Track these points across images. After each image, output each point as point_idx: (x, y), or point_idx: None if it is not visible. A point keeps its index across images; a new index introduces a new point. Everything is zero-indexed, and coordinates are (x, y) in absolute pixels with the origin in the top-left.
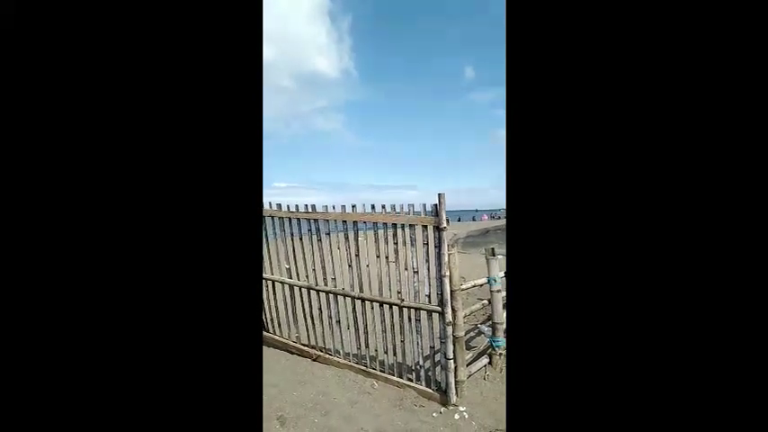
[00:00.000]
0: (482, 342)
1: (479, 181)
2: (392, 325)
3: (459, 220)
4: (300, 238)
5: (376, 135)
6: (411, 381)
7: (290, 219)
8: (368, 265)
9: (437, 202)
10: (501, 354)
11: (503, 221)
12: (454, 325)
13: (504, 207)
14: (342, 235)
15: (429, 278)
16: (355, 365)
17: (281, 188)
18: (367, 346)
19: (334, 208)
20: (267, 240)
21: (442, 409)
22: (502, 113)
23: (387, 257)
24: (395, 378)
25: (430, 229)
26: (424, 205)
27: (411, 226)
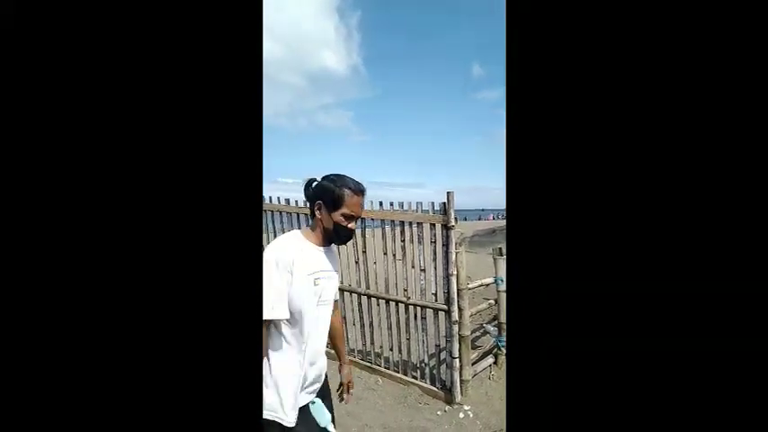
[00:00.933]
0: (488, 342)
1: (484, 181)
2: (398, 322)
3: (465, 219)
4: None
5: (383, 132)
6: (416, 378)
7: (297, 214)
8: (375, 263)
9: (446, 200)
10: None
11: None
12: (460, 324)
13: None
14: None
15: (436, 276)
16: (360, 362)
17: (288, 184)
18: (372, 342)
19: None
20: (276, 236)
21: (447, 407)
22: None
23: (394, 255)
24: (399, 375)
25: (438, 227)
26: (433, 203)
27: (419, 224)
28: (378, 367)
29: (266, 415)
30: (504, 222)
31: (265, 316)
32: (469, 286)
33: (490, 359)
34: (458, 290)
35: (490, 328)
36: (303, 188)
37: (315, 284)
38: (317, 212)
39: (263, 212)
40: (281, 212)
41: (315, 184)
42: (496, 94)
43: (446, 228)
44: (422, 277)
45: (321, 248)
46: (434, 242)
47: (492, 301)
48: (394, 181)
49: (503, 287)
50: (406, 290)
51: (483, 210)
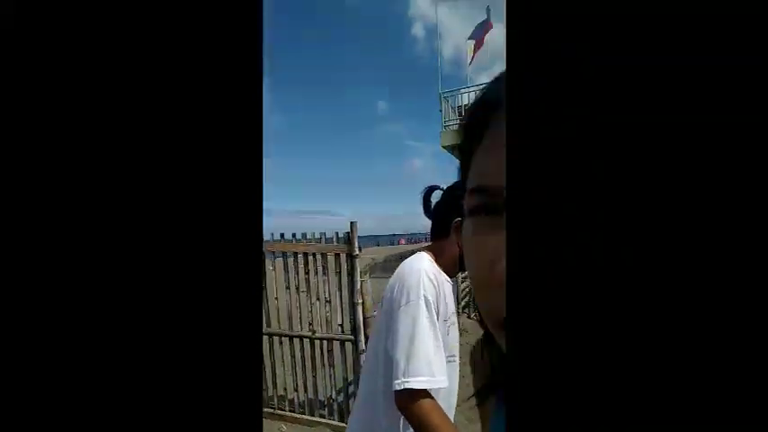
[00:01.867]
0: None
1: (395, 207)
2: (303, 359)
3: (377, 245)
4: None
5: (287, 161)
6: (324, 417)
7: None
8: (276, 298)
9: (349, 229)
10: None
11: (419, 245)
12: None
13: (420, 232)
14: None
15: (342, 306)
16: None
17: None
18: (275, 386)
19: None
20: None
21: None
22: (414, 144)
23: (297, 287)
24: (306, 417)
25: (342, 256)
26: (337, 233)
27: (323, 254)
28: (282, 412)
29: None
30: (414, 246)
31: (425, 384)
32: (375, 314)
33: None
34: (364, 318)
35: None
36: (421, 199)
37: (447, 334)
38: (453, 233)
39: None
40: None
41: (446, 194)
42: (402, 126)
43: (350, 257)
44: (327, 309)
45: (450, 282)
46: (339, 272)
47: None
48: (298, 209)
49: None
50: (311, 323)
51: (394, 234)
